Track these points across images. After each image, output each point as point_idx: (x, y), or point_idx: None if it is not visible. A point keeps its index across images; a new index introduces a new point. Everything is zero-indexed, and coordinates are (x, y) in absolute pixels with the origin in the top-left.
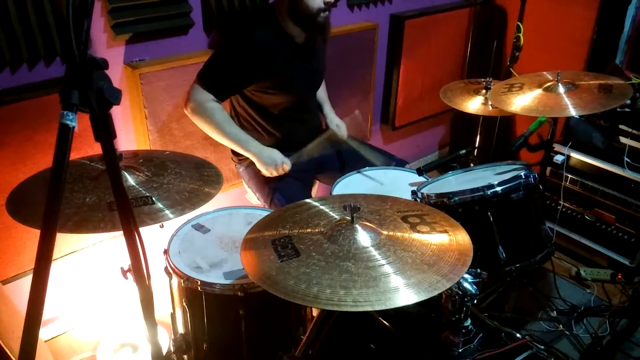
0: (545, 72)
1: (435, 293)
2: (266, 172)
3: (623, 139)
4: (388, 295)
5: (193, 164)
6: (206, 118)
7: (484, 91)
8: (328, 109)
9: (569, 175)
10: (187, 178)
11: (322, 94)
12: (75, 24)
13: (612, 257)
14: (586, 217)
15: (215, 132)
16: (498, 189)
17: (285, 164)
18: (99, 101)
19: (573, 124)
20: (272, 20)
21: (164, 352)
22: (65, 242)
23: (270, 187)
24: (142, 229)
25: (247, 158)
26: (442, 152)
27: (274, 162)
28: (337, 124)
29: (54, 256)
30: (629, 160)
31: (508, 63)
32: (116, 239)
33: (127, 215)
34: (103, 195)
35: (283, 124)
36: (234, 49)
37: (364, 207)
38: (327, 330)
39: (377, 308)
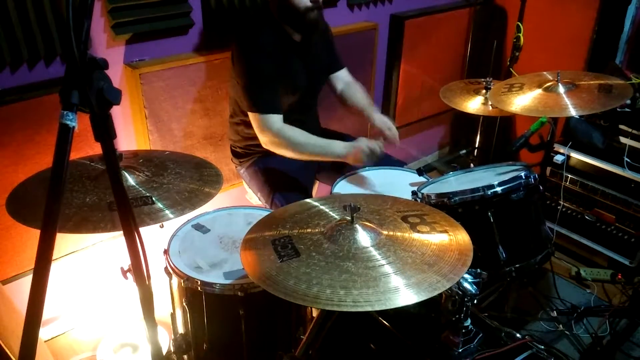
0: (545, 72)
1: (435, 293)
2: (365, 160)
3: (623, 139)
4: (388, 296)
5: (193, 164)
6: (288, 145)
7: (484, 91)
8: (373, 114)
9: (569, 175)
10: (187, 178)
11: (364, 99)
12: (75, 24)
13: (612, 257)
14: (586, 217)
15: (299, 154)
16: (498, 189)
17: (371, 146)
18: (99, 101)
19: (573, 124)
20: (270, 20)
21: (164, 352)
22: (65, 242)
23: (271, 187)
24: (142, 229)
25: (248, 160)
26: (442, 152)
27: (362, 150)
28: (389, 127)
29: (54, 256)
30: (629, 160)
31: (508, 63)
32: (116, 239)
33: (127, 215)
34: (103, 195)
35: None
36: (253, 61)
37: (364, 207)
38: (327, 330)
39: (377, 308)
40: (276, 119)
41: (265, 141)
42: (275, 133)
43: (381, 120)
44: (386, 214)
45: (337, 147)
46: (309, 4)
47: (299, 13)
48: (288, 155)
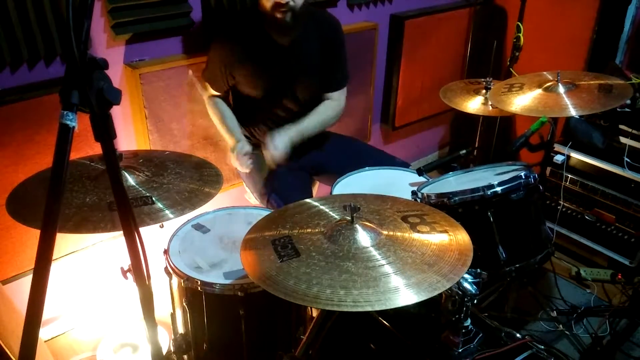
0: (545, 72)
1: (435, 293)
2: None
3: (623, 139)
4: (388, 296)
5: (193, 164)
6: (209, 110)
7: (484, 91)
8: (294, 126)
9: (569, 175)
10: (187, 178)
11: (308, 117)
12: (75, 24)
13: (612, 257)
14: (586, 217)
15: (215, 121)
16: (498, 189)
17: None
18: (99, 101)
19: (573, 124)
20: (255, 20)
21: (164, 352)
22: (65, 242)
23: (267, 186)
24: (142, 229)
25: None
26: (442, 152)
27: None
28: (274, 146)
29: (54, 256)
30: (629, 160)
31: (508, 63)
32: (116, 239)
33: (127, 215)
34: (103, 195)
35: (264, 128)
36: (214, 43)
37: (364, 207)
38: (327, 330)
39: (377, 308)
40: (210, 89)
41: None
42: (205, 99)
43: (273, 138)
44: (386, 214)
45: (228, 141)
46: (273, 4)
47: (267, 13)
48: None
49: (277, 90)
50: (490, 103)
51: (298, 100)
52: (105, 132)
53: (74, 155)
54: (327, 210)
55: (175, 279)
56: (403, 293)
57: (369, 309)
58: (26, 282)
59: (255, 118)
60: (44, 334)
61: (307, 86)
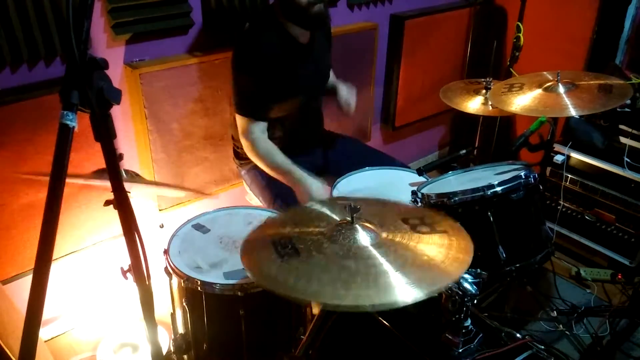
0: (545, 72)
1: (436, 293)
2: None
3: (623, 139)
4: (388, 295)
5: None
6: (257, 156)
7: (484, 91)
8: (341, 87)
9: (569, 175)
10: None
11: (333, 78)
12: (75, 24)
13: (612, 257)
14: (586, 217)
15: (265, 168)
16: (498, 189)
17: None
18: (99, 101)
19: (573, 124)
20: (274, 22)
21: (164, 352)
22: (65, 242)
23: (273, 191)
24: (142, 229)
25: (250, 162)
26: (442, 152)
27: (309, 197)
28: (348, 104)
29: (54, 256)
30: (629, 160)
31: (508, 63)
32: (116, 239)
33: (127, 215)
34: None
35: (284, 128)
36: (249, 65)
37: (364, 209)
38: (327, 330)
39: (377, 308)
40: (256, 128)
41: (244, 145)
42: (251, 141)
43: (345, 94)
44: (386, 215)
45: (292, 178)
46: None
47: (303, 8)
48: (258, 165)
49: (309, 90)
50: (490, 103)
51: (320, 94)
52: (105, 132)
53: (74, 156)
54: (327, 211)
55: (175, 279)
56: (403, 292)
57: (369, 308)
58: (26, 282)
59: (284, 122)
60: (44, 334)
61: (326, 79)
